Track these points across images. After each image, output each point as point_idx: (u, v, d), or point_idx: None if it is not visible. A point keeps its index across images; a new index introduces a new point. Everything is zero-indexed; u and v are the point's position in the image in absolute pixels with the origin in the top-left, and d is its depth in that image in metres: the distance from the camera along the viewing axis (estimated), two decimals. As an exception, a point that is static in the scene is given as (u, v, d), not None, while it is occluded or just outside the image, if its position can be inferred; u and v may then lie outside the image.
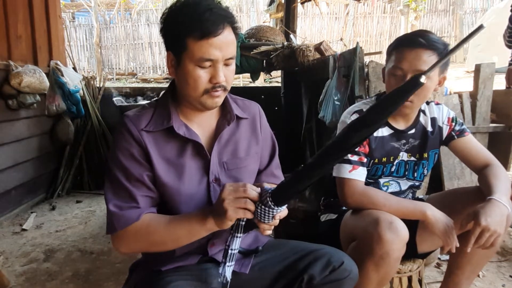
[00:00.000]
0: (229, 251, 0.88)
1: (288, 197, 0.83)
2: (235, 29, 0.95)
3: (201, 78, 0.92)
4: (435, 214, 1.22)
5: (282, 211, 0.85)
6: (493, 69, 2.17)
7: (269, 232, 0.87)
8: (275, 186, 0.86)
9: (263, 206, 0.83)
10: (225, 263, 0.89)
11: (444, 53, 1.24)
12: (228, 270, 0.89)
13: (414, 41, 1.24)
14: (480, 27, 0.65)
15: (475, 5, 10.78)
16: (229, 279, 0.89)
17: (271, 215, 0.83)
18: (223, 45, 0.90)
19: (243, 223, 0.88)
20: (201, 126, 1.03)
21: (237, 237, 0.88)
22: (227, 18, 0.91)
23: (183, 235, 0.91)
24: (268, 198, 0.82)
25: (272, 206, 0.82)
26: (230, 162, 1.05)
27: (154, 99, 1.06)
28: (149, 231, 0.92)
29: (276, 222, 0.86)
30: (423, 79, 0.70)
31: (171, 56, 0.96)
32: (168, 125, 0.98)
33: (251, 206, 0.83)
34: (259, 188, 0.86)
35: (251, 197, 0.83)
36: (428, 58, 1.22)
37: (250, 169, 1.10)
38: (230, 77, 0.96)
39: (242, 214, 0.83)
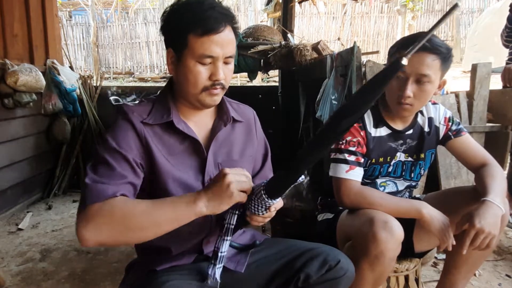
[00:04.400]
0: (219, 254, 0.91)
1: (282, 189, 0.84)
2: (235, 30, 0.97)
3: (201, 74, 0.93)
4: (430, 212, 1.23)
5: (277, 203, 0.86)
6: (489, 69, 2.18)
7: (259, 222, 0.89)
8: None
9: (257, 199, 0.84)
10: (214, 264, 0.91)
11: (447, 57, 1.24)
12: (217, 272, 0.91)
13: None
14: (455, 6, 0.69)
15: (471, 6, 10.81)
16: (219, 280, 0.91)
17: (265, 208, 0.85)
18: (224, 42, 0.92)
19: (232, 226, 0.89)
20: (198, 125, 1.04)
21: (226, 240, 0.91)
22: (228, 17, 0.93)
23: (166, 220, 0.82)
24: (262, 191, 0.83)
25: (266, 199, 0.83)
26: (224, 164, 1.05)
27: (152, 95, 1.06)
28: (125, 213, 0.81)
29: (273, 213, 0.86)
30: (404, 61, 0.70)
31: (171, 53, 0.97)
32: (168, 119, 0.98)
33: (250, 189, 0.85)
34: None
35: (250, 180, 0.86)
36: (432, 62, 1.21)
37: None
38: (228, 76, 0.97)
39: (243, 197, 0.85)
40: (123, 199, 0.85)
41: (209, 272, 0.91)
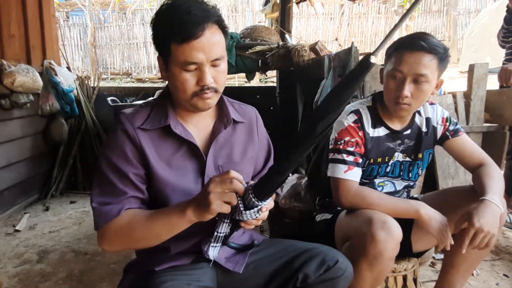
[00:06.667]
0: (215, 233, 0.90)
1: (269, 191, 0.84)
2: (222, 28, 0.94)
3: (188, 81, 0.92)
4: (428, 213, 1.23)
5: (268, 204, 0.85)
6: (486, 69, 2.18)
7: (253, 225, 0.88)
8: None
9: (248, 202, 0.84)
10: (210, 242, 0.91)
11: (444, 56, 1.24)
12: (212, 250, 0.92)
13: (415, 44, 1.22)
14: None
15: (468, 6, 10.85)
16: (212, 258, 0.92)
17: (256, 210, 0.84)
18: (206, 46, 0.89)
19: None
20: (197, 127, 1.03)
21: (225, 222, 0.89)
22: (209, 18, 0.90)
23: (164, 229, 0.90)
24: (250, 195, 0.83)
25: (256, 202, 0.83)
26: (225, 166, 1.04)
27: (151, 98, 1.06)
28: (129, 228, 0.91)
29: (265, 214, 0.86)
30: (372, 59, 0.70)
31: (161, 60, 0.97)
32: (165, 123, 0.97)
33: (234, 200, 0.83)
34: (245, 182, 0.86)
35: (237, 189, 0.83)
36: (429, 62, 1.21)
37: (244, 173, 1.09)
38: (220, 78, 0.95)
39: (226, 209, 0.83)
40: (127, 216, 0.92)
41: (206, 249, 0.91)
